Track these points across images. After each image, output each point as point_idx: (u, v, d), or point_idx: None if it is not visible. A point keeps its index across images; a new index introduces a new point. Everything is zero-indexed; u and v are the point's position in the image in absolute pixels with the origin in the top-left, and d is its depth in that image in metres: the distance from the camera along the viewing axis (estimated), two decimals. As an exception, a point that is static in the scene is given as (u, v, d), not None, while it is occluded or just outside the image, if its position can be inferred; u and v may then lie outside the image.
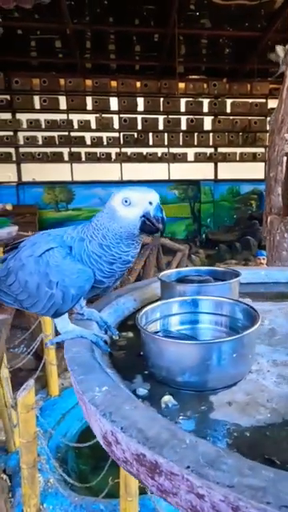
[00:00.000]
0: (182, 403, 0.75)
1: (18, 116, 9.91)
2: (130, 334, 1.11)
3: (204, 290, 1.08)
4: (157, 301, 1.09)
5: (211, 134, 10.58)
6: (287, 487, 0.46)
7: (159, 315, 0.99)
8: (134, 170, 10.37)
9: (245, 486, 0.46)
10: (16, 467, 3.03)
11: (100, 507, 2.67)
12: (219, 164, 10.90)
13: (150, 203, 0.93)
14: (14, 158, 10.07)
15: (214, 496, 0.47)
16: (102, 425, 0.64)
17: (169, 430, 0.58)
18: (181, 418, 0.71)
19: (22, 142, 10.01)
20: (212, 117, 10.53)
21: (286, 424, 0.68)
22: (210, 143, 10.63)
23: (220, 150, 10.74)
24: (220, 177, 10.97)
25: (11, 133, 9.85)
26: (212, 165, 10.91)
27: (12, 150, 10.02)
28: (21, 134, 9.99)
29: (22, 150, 10.06)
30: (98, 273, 0.97)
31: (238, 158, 10.74)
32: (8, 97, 9.70)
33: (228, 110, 10.54)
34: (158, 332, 0.96)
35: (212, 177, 10.96)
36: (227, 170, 10.83)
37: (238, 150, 10.72)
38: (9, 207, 5.10)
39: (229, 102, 10.51)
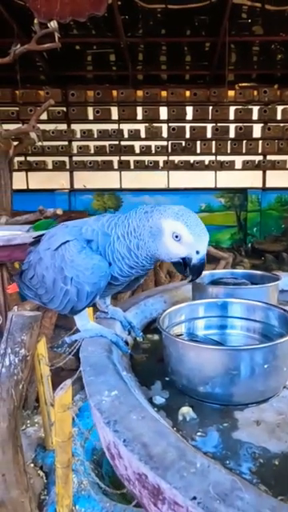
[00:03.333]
0: (202, 417, 0.66)
1: (73, 126, 10.32)
2: (156, 337, 1.03)
3: (238, 294, 0.97)
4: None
5: (260, 142, 10.22)
6: None
7: (184, 317, 0.90)
8: (180, 178, 10.32)
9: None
10: (52, 465, 3.05)
11: (131, 515, 2.58)
12: (268, 172, 10.50)
13: (197, 252, 0.87)
14: (68, 167, 10.48)
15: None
16: (106, 434, 0.56)
17: (178, 448, 0.49)
18: (198, 434, 0.61)
19: (75, 151, 10.39)
20: (262, 124, 10.20)
21: None
22: (259, 151, 10.27)
23: (269, 157, 10.34)
24: (268, 185, 10.54)
25: (66, 142, 10.28)
26: (260, 173, 10.53)
27: (66, 159, 10.44)
28: (75, 144, 10.37)
29: (75, 158, 10.44)
30: (116, 270, 0.92)
31: (287, 166, 10.29)
32: (64, 108, 10.16)
33: (279, 117, 10.14)
34: (181, 335, 0.87)
35: (260, 185, 10.56)
36: (276, 178, 10.37)
37: (288, 158, 10.27)
38: (59, 212, 5.30)
39: (279, 108, 10.12)
